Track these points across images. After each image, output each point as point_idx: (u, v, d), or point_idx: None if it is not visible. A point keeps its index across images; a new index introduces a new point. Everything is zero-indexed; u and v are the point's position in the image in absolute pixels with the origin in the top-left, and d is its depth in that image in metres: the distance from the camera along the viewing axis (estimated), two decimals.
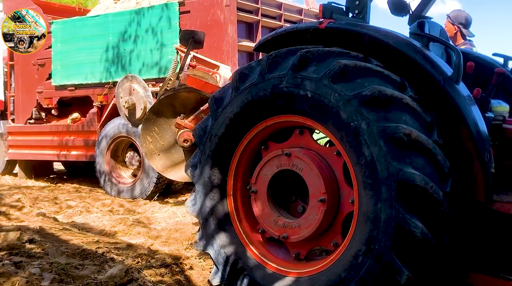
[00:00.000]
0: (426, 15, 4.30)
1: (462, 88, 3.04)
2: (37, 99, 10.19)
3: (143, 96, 7.04)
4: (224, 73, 6.35)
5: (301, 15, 9.22)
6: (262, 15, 8.45)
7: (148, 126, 5.53)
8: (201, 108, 4.89)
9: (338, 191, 3.16)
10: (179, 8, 8.07)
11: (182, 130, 4.98)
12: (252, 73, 3.37)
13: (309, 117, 3.14)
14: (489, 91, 3.49)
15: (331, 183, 3.13)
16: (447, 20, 6.10)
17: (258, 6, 8.36)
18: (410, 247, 2.70)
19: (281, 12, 8.82)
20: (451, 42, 5.99)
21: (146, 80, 7.84)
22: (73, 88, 9.44)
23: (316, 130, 3.40)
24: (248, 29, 8.52)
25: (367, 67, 2.98)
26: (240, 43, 7.99)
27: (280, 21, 8.73)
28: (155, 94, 7.21)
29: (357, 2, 3.57)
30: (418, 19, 4.03)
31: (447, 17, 6.11)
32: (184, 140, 4.92)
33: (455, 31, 6.06)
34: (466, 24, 6.09)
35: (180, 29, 7.95)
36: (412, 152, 2.74)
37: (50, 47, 9.68)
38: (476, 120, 2.98)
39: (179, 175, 5.65)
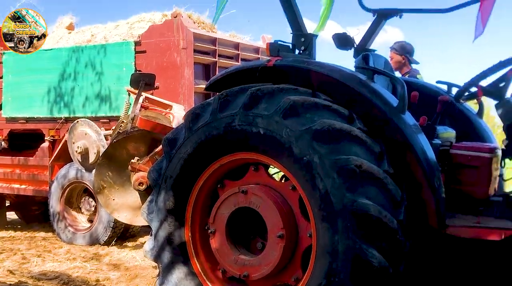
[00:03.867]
0: (370, 47, 4.45)
1: (408, 117, 3.15)
2: None
3: (95, 140, 6.93)
4: (178, 113, 6.34)
5: (259, 54, 9.31)
6: (219, 55, 8.48)
7: (102, 171, 5.45)
8: (155, 150, 4.87)
9: (296, 226, 3.18)
10: (135, 48, 8.07)
11: (136, 173, 4.93)
12: (204, 113, 3.40)
13: (263, 154, 3.19)
14: (435, 119, 3.61)
15: (288, 218, 3.15)
16: (393, 52, 6.35)
17: (215, 47, 8.40)
18: (368, 277, 2.73)
19: (238, 52, 8.88)
20: (398, 72, 6.23)
21: (99, 118, 7.80)
22: (24, 121, 9.23)
23: (271, 166, 3.44)
24: (205, 71, 8.52)
25: (316, 102, 3.06)
26: (197, 86, 8.01)
27: (238, 61, 8.78)
28: (108, 137, 7.13)
29: (302, 39, 3.67)
30: (363, 52, 4.17)
31: (391, 49, 6.35)
32: (139, 184, 4.87)
33: (404, 60, 6.33)
34: (411, 52, 6.38)
35: (135, 68, 7.95)
36: (364, 182, 2.81)
37: (1, 77, 9.49)
38: (424, 148, 3.07)
39: (136, 218, 5.55)
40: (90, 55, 8.44)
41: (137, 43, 8.09)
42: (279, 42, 3.61)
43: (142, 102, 6.07)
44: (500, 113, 3.47)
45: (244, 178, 3.42)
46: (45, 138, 8.99)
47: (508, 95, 3.57)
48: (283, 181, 3.61)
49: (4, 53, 9.47)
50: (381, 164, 2.92)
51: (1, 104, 9.57)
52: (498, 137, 4.21)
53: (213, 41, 8.45)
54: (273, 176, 3.76)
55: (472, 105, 4.41)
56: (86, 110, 8.35)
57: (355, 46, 4.31)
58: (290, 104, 3.02)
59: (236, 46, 8.95)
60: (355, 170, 2.79)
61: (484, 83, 3.61)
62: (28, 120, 9.22)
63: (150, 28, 8.19)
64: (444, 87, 4.33)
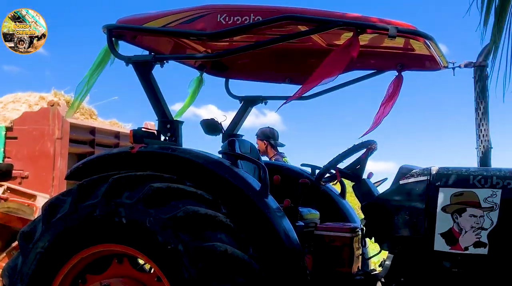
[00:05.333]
0: (239, 132, 4.58)
1: (271, 201, 3.21)
2: None
3: None
4: (42, 203, 6.00)
5: None
6: (98, 145, 8.15)
7: None
8: (13, 244, 4.54)
9: None
10: (6, 133, 7.61)
11: None
12: (63, 204, 3.23)
13: (127, 245, 3.06)
14: (297, 201, 3.71)
15: None
16: (257, 139, 6.65)
17: (93, 137, 8.13)
18: None
19: (118, 141, 8.62)
20: (265, 156, 6.45)
21: None
22: None
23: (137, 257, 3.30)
24: (81, 160, 8.16)
25: (180, 189, 3.04)
26: None
27: None
28: None
29: (168, 126, 3.68)
30: (230, 138, 4.27)
31: (256, 136, 6.66)
32: None
33: (265, 145, 6.63)
34: (273, 137, 6.68)
35: (4, 155, 7.45)
36: (229, 268, 2.78)
37: None
38: (287, 230, 3.12)
39: None
40: None
41: (8, 129, 7.63)
42: (143, 129, 3.59)
43: (2, 193, 5.71)
44: (357, 193, 3.65)
45: (107, 271, 3.24)
46: None
47: (364, 176, 3.78)
48: (152, 271, 3.48)
49: None
50: (246, 249, 2.92)
51: None
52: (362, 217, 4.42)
53: (92, 130, 8.16)
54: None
55: (336, 186, 4.62)
56: None
57: (223, 131, 4.40)
58: (153, 191, 2.97)
59: (117, 134, 8.69)
60: (220, 256, 2.76)
61: (341, 165, 3.80)
62: None
63: (25, 114, 7.80)
64: (309, 169, 4.50)
